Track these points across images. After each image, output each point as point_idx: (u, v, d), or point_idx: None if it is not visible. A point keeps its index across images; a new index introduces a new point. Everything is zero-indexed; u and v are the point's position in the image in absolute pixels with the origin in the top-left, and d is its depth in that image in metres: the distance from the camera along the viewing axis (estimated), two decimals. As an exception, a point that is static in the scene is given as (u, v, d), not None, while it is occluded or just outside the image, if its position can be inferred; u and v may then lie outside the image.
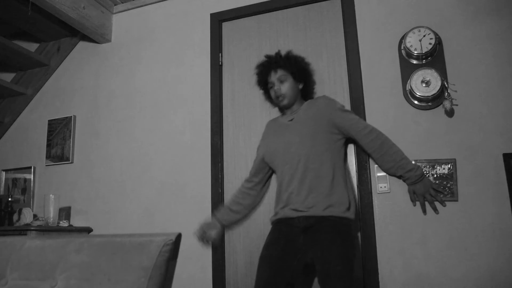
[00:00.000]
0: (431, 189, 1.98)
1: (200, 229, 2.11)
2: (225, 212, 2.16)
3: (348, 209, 1.83)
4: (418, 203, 2.05)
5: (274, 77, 2.03)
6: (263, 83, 2.11)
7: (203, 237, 2.10)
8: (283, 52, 2.12)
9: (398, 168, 1.96)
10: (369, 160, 2.19)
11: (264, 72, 2.07)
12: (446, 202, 2.02)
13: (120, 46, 3.02)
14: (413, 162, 2.00)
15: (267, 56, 2.12)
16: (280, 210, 1.92)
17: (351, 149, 2.25)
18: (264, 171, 2.14)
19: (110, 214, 2.73)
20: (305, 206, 1.82)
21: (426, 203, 2.03)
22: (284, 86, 2.01)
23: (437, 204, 2.02)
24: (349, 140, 2.04)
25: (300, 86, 2.08)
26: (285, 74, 2.02)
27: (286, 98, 2.01)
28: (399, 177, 2.01)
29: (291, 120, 2.02)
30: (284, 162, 1.94)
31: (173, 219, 2.56)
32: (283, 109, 2.15)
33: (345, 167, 2.03)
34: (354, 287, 1.72)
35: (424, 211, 2.03)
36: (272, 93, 2.05)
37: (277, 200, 1.99)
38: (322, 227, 1.78)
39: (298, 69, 2.06)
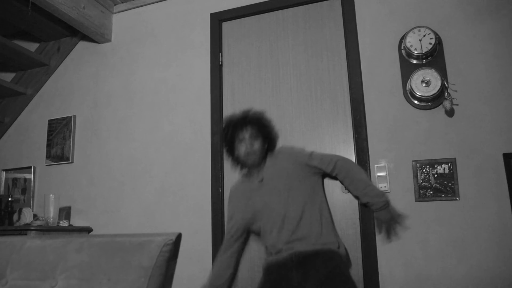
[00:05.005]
0: (394, 220, 1.87)
1: None
2: None
3: (338, 248, 1.85)
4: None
5: (246, 133, 2.00)
6: (231, 139, 2.05)
7: None
8: (251, 113, 2.08)
9: (364, 195, 1.91)
10: (369, 160, 2.19)
11: (239, 126, 2.02)
12: (446, 202, 2.02)
13: (120, 46, 3.02)
14: (381, 190, 1.93)
15: (241, 113, 2.08)
16: (270, 256, 1.92)
17: (350, 149, 2.25)
18: (241, 239, 2.06)
19: (110, 214, 2.73)
20: (296, 249, 1.83)
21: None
22: (256, 143, 1.99)
23: (438, 204, 2.03)
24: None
25: (265, 146, 2.07)
26: (257, 133, 2.01)
27: (256, 156, 1.98)
28: (366, 204, 1.92)
29: (261, 180, 2.00)
30: (268, 223, 1.93)
31: (173, 219, 2.55)
32: (245, 169, 2.10)
33: (328, 207, 2.01)
34: None
35: (388, 237, 1.87)
36: (242, 149, 1.99)
37: (266, 251, 1.97)
38: (315, 260, 1.78)
39: (268, 131, 2.07)
